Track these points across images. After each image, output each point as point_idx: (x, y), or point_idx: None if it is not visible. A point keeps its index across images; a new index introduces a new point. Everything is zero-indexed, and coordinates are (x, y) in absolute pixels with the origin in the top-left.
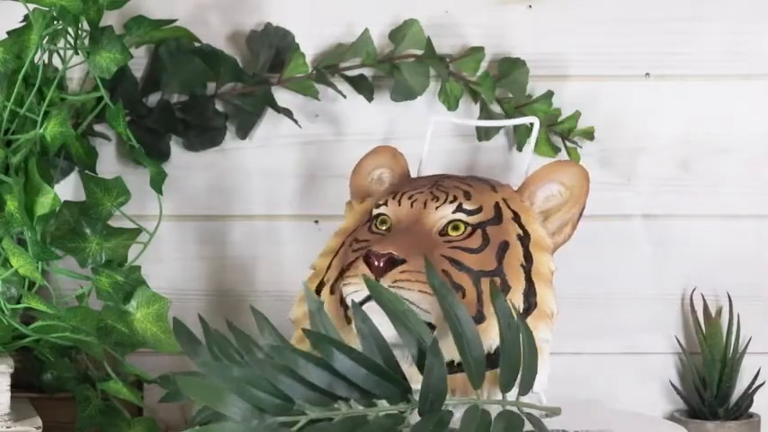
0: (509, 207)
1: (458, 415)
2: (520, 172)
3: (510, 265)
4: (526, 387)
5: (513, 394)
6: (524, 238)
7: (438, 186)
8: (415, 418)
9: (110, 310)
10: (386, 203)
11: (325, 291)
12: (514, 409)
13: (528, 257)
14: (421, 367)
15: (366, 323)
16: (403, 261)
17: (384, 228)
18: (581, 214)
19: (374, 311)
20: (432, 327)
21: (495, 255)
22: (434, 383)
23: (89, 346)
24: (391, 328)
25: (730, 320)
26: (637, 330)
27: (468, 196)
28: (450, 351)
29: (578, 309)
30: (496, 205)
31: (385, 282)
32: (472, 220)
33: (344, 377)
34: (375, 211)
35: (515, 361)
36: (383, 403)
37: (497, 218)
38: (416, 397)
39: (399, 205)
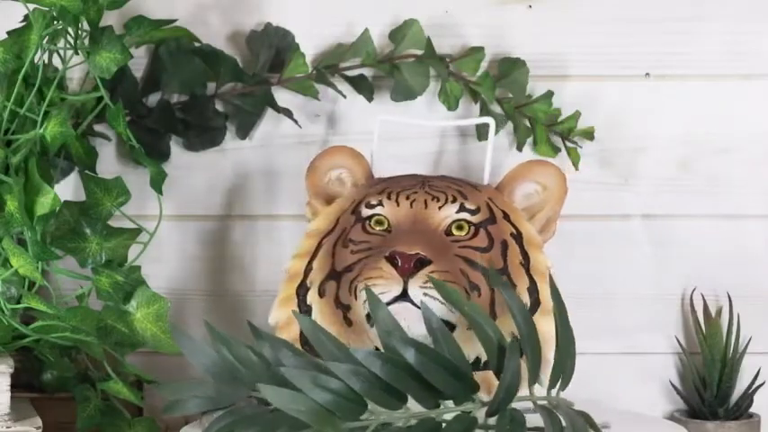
0: (497, 206)
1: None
2: None
3: (512, 263)
4: (566, 381)
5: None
6: (518, 237)
7: (430, 186)
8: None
9: (110, 310)
10: (380, 204)
11: (313, 294)
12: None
13: (525, 255)
14: (495, 366)
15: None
16: (430, 261)
17: (381, 228)
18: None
19: (400, 313)
20: (452, 326)
21: (501, 253)
22: (510, 382)
23: (89, 346)
24: (421, 328)
25: (730, 320)
26: (637, 330)
27: (464, 196)
28: (476, 349)
29: (578, 309)
30: (487, 205)
31: (415, 282)
32: (474, 219)
33: (418, 375)
34: (368, 212)
35: (537, 354)
36: (447, 403)
37: (493, 217)
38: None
39: (398, 206)
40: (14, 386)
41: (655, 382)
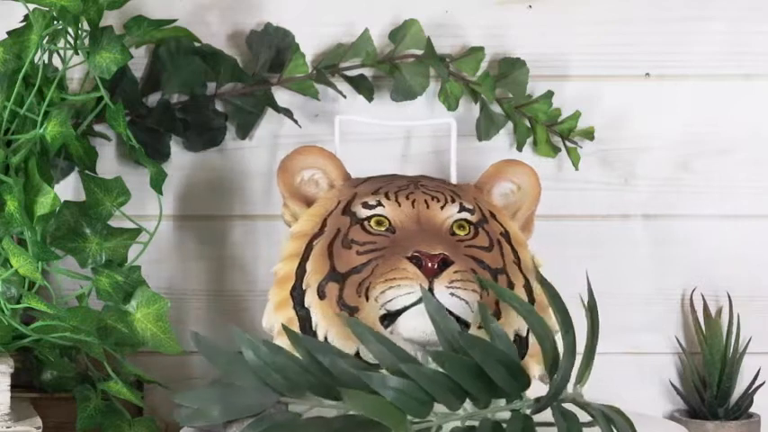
0: (484, 206)
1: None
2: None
3: (508, 262)
4: (582, 378)
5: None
6: (506, 236)
7: (424, 186)
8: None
9: (110, 310)
10: (379, 204)
11: (311, 296)
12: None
13: (515, 254)
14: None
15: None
16: (452, 262)
17: (383, 229)
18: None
19: (420, 314)
20: (467, 325)
21: (500, 252)
22: (563, 379)
23: (89, 346)
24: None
25: (730, 320)
26: (637, 330)
27: (459, 196)
28: None
29: (578, 309)
30: (476, 204)
31: (441, 283)
32: (473, 219)
33: (482, 372)
34: (366, 212)
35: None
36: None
37: (485, 217)
38: None
39: (399, 206)
40: (14, 386)
41: (655, 382)
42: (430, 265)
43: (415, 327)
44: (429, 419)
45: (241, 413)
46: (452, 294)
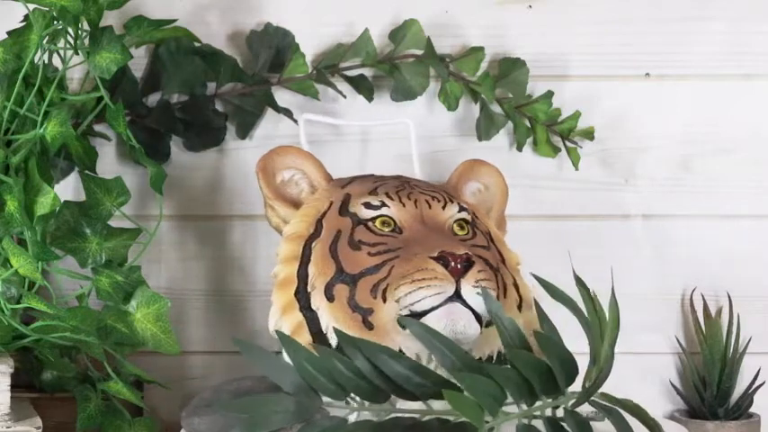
0: (467, 206)
1: None
2: (520, 172)
3: (499, 260)
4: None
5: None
6: (489, 234)
7: (418, 186)
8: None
9: (110, 310)
10: (383, 204)
11: (319, 299)
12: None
13: (499, 253)
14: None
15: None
16: (474, 262)
17: (388, 229)
18: None
19: (454, 313)
20: (489, 324)
21: (495, 251)
22: (601, 379)
23: (89, 346)
24: (476, 328)
25: (730, 320)
26: (637, 330)
27: (453, 196)
28: (491, 346)
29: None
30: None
31: (468, 282)
32: (469, 218)
33: (549, 369)
34: (370, 213)
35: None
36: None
37: (475, 216)
38: None
39: (404, 206)
40: (14, 386)
41: (655, 382)
42: (457, 265)
43: (444, 327)
44: (486, 420)
45: (295, 419)
46: (479, 294)
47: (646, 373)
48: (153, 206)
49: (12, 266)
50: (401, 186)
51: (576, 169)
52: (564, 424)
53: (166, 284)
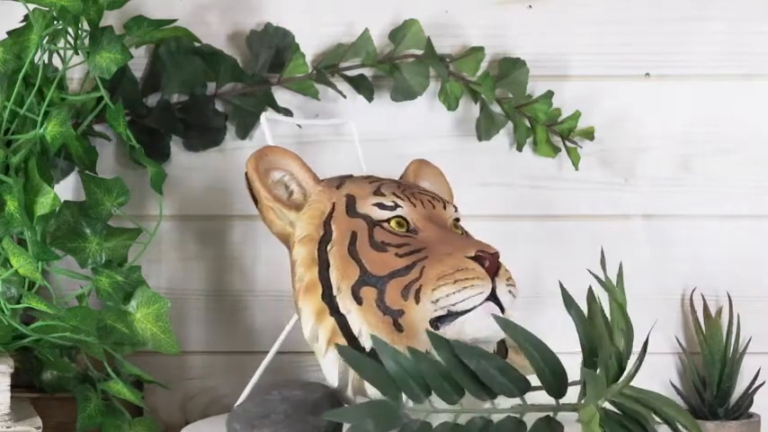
0: None
1: None
2: (520, 172)
3: None
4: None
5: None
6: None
7: (410, 186)
8: None
9: (110, 310)
10: (397, 205)
11: (347, 302)
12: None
13: None
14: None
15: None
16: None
17: (403, 230)
18: None
19: (487, 313)
20: None
21: None
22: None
23: (89, 346)
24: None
25: (730, 320)
26: (637, 330)
27: (440, 196)
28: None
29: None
30: None
31: (501, 281)
32: (459, 218)
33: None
34: (385, 213)
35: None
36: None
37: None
38: None
39: (414, 206)
40: (14, 386)
41: (655, 382)
42: (492, 264)
43: (487, 326)
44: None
45: (390, 424)
46: (510, 292)
47: (646, 372)
48: (153, 206)
49: (12, 266)
50: (402, 186)
51: (576, 169)
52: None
53: (166, 284)
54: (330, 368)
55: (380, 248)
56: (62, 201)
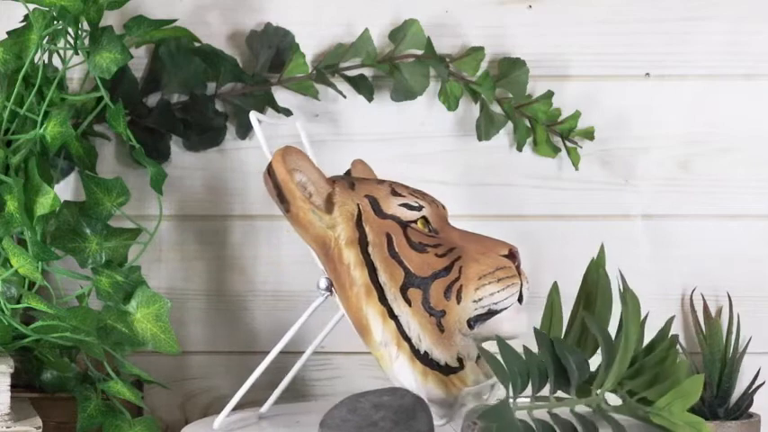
0: None
1: None
2: (520, 172)
3: None
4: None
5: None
6: None
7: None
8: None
9: (110, 310)
10: (420, 206)
11: (400, 304)
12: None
13: None
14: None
15: None
16: None
17: (427, 230)
18: None
19: (522, 310)
20: None
21: None
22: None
23: (89, 346)
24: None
25: (730, 320)
26: None
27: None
28: None
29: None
30: None
31: (524, 278)
32: None
33: None
34: (413, 214)
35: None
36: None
37: None
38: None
39: (430, 206)
40: (14, 386)
41: None
42: (518, 263)
43: (521, 323)
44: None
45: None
46: (527, 289)
47: None
48: (153, 206)
49: (12, 266)
50: (407, 186)
51: (576, 169)
52: None
53: (166, 284)
54: (405, 372)
55: (420, 249)
56: (62, 201)
